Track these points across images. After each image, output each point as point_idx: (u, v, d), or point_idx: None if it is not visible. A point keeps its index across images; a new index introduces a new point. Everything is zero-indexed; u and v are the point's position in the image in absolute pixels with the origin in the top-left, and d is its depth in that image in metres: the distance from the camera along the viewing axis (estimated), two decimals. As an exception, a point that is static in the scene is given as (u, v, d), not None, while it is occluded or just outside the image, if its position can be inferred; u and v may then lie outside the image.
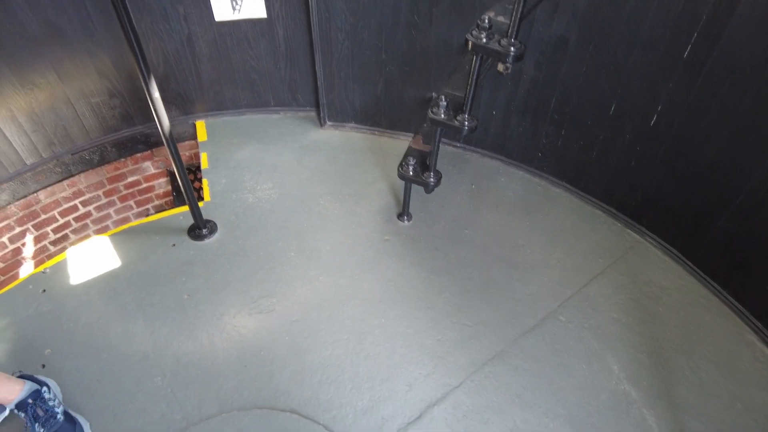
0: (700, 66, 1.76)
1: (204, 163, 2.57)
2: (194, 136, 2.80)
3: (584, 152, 2.29)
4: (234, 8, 2.37)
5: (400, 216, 2.30)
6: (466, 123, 1.77)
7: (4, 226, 2.68)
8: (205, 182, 2.47)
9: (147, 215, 3.19)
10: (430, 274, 2.09)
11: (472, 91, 1.69)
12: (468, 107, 1.74)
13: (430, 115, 1.80)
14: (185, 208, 2.27)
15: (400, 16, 2.25)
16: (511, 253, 2.18)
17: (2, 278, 2.71)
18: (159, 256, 2.15)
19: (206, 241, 2.20)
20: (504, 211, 2.36)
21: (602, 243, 2.22)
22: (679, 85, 1.84)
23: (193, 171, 2.98)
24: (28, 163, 2.57)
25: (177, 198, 3.08)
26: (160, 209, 3.20)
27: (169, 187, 3.10)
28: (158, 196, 3.16)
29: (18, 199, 2.64)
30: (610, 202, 2.34)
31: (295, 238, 2.22)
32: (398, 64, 2.44)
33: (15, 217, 2.70)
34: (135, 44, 1.60)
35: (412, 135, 2.66)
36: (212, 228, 2.24)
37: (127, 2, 1.50)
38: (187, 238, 2.22)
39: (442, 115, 1.79)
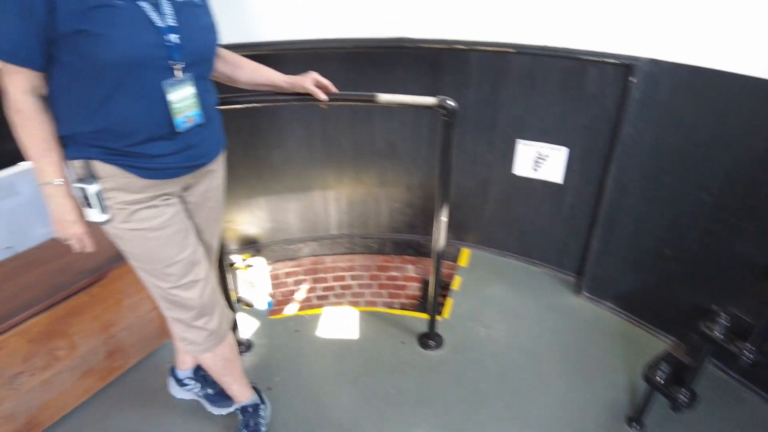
0: None
1: (455, 285, 2.80)
2: (455, 259, 3.09)
3: None
4: (534, 169, 2.65)
5: (630, 421, 2.04)
6: (746, 353, 1.53)
7: (293, 271, 3.40)
8: (449, 301, 2.68)
9: (391, 307, 3.58)
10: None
11: None
12: (757, 339, 1.52)
13: (703, 328, 1.63)
14: (425, 316, 2.50)
15: (697, 219, 2.15)
16: None
17: (276, 307, 3.38)
18: (386, 346, 2.40)
19: (430, 352, 2.36)
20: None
21: None
22: None
23: (443, 287, 3.26)
24: (331, 232, 3.25)
25: (421, 304, 3.39)
26: (403, 307, 3.56)
27: (419, 293, 3.44)
28: (407, 297, 3.54)
29: (312, 256, 3.34)
30: None
31: (510, 390, 2.18)
32: (681, 265, 2.28)
33: (304, 268, 3.40)
34: (446, 180, 1.95)
35: (673, 339, 2.38)
36: (439, 343, 2.40)
37: (451, 154, 1.88)
38: (415, 341, 2.42)
39: (718, 334, 1.59)
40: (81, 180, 1.31)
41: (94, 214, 1.35)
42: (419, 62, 2.61)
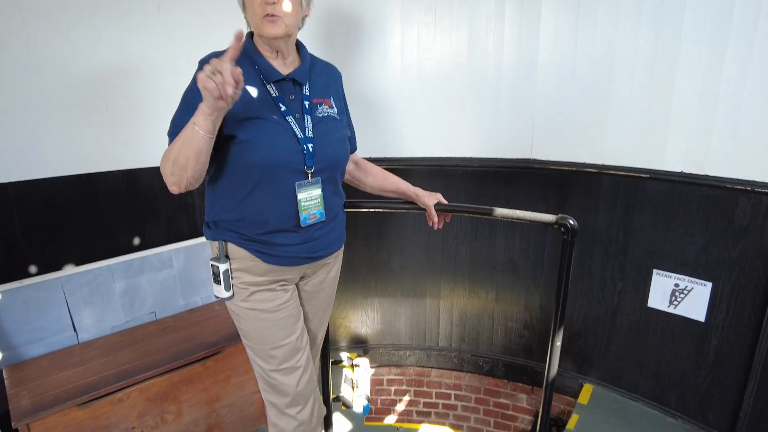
0: None
1: (571, 425, 2.49)
2: (575, 395, 2.78)
3: None
4: (672, 303, 2.37)
5: None
6: None
7: (397, 379, 3.31)
8: (561, 442, 2.37)
9: (497, 439, 3.25)
10: None
11: None
12: None
13: None
14: (530, 454, 2.23)
15: None
16: None
17: (372, 414, 3.27)
18: (484, 482, 2.16)
19: (532, 498, 2.07)
20: None
21: None
22: None
23: (558, 426, 2.90)
24: (439, 344, 3.16)
25: (530, 440, 3.04)
26: (510, 441, 3.22)
27: (530, 428, 3.10)
28: (515, 429, 3.20)
29: (418, 366, 3.24)
30: None
31: None
32: None
33: (407, 378, 3.29)
34: (562, 301, 1.83)
35: None
36: (544, 490, 2.09)
37: (569, 275, 1.77)
38: (516, 482, 2.15)
39: None
40: (216, 259, 1.49)
41: (220, 290, 1.50)
42: (546, 182, 2.60)
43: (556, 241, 2.70)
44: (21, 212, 2.03)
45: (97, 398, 1.86)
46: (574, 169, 2.49)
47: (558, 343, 1.91)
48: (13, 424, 1.71)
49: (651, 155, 2.27)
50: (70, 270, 2.15)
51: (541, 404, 2.03)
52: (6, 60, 1.91)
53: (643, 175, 2.30)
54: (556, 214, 1.79)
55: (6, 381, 1.93)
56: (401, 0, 2.53)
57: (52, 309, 2.09)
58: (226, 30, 2.36)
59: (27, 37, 1.94)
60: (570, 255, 1.78)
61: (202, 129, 1.20)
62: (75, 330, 2.17)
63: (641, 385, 2.60)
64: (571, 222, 1.75)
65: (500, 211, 1.82)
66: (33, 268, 2.09)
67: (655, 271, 2.41)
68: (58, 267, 2.14)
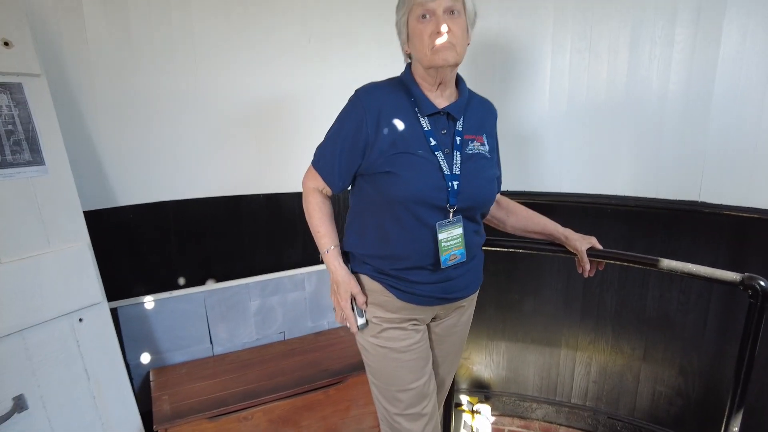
0: None
1: None
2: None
3: None
4: None
5: None
6: None
7: (520, 432, 3.03)
8: None
9: None
10: None
11: None
12: None
13: None
14: None
15: None
16: None
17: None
18: None
19: None
20: None
21: None
22: None
23: None
24: (572, 401, 2.84)
25: None
26: None
27: None
28: None
29: (545, 422, 2.94)
30: None
31: None
32: None
33: (532, 432, 3.01)
34: (744, 378, 1.51)
35: None
36: None
37: (757, 347, 1.46)
38: None
39: None
40: (350, 290, 1.46)
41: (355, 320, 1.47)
42: (717, 230, 2.23)
43: (723, 298, 2.29)
44: (176, 228, 2.20)
45: (225, 413, 1.91)
46: (755, 216, 2.10)
47: (736, 429, 1.58)
48: (154, 427, 1.82)
49: None
50: (211, 285, 2.28)
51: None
52: (179, 96, 2.11)
53: None
54: (737, 271, 1.50)
55: (152, 383, 2.07)
56: (552, 26, 2.37)
57: (194, 321, 2.23)
58: (370, 58, 2.39)
59: (197, 77, 2.13)
60: (759, 324, 1.47)
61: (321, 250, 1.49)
62: (211, 342, 2.28)
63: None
64: (763, 283, 1.45)
65: (668, 264, 1.56)
66: (181, 280, 2.25)
67: None
68: (201, 281, 2.29)
